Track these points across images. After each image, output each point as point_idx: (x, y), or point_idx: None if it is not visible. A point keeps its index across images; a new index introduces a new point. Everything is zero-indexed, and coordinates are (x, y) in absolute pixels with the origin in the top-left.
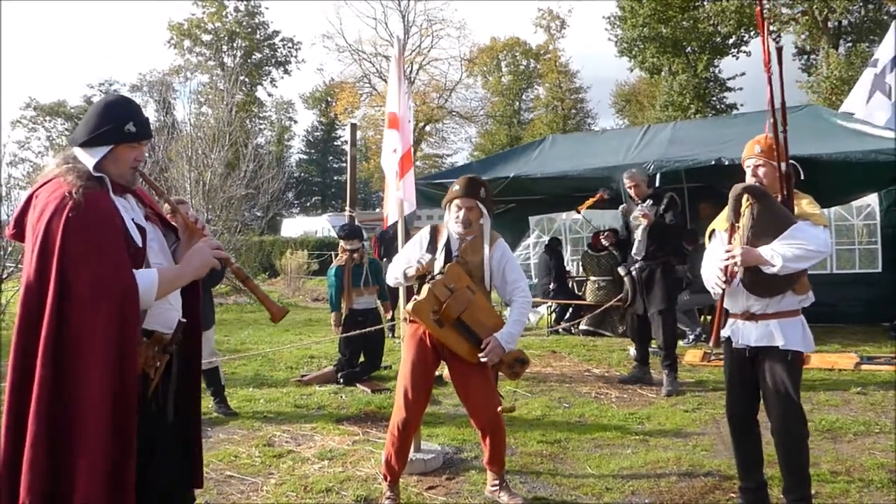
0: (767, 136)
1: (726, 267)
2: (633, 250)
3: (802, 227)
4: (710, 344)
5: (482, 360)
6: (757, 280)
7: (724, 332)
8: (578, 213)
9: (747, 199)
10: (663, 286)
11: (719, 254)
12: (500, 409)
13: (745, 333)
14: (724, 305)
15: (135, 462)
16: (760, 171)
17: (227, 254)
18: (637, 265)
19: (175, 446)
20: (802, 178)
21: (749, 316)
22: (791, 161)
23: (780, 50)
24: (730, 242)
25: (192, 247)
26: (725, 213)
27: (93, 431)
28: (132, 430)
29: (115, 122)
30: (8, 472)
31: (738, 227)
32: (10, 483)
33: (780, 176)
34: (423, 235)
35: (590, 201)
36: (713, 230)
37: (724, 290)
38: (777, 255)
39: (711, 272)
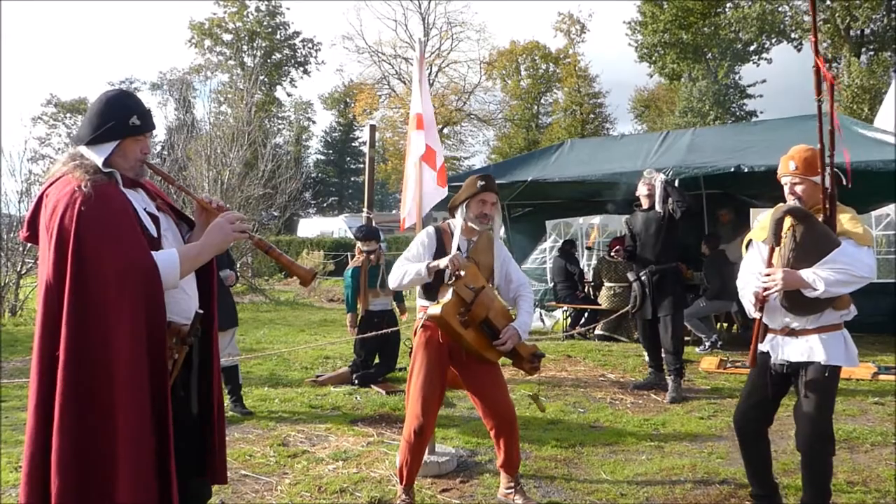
0: (803, 149)
1: (764, 289)
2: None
3: (847, 249)
4: (748, 363)
5: (500, 348)
6: (796, 301)
7: (763, 347)
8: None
9: (789, 221)
10: (672, 291)
11: (758, 266)
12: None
13: (786, 349)
14: (762, 320)
15: (172, 453)
16: (798, 188)
17: (247, 226)
18: (647, 270)
19: (196, 439)
20: (847, 185)
21: (789, 332)
22: (834, 169)
23: (833, 81)
24: (769, 265)
25: (212, 224)
26: (763, 221)
27: (132, 425)
28: (168, 418)
29: (119, 117)
30: (40, 473)
31: (779, 249)
32: (43, 485)
33: (823, 194)
34: (427, 237)
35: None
36: (750, 240)
37: (761, 314)
38: (819, 279)
39: (748, 289)
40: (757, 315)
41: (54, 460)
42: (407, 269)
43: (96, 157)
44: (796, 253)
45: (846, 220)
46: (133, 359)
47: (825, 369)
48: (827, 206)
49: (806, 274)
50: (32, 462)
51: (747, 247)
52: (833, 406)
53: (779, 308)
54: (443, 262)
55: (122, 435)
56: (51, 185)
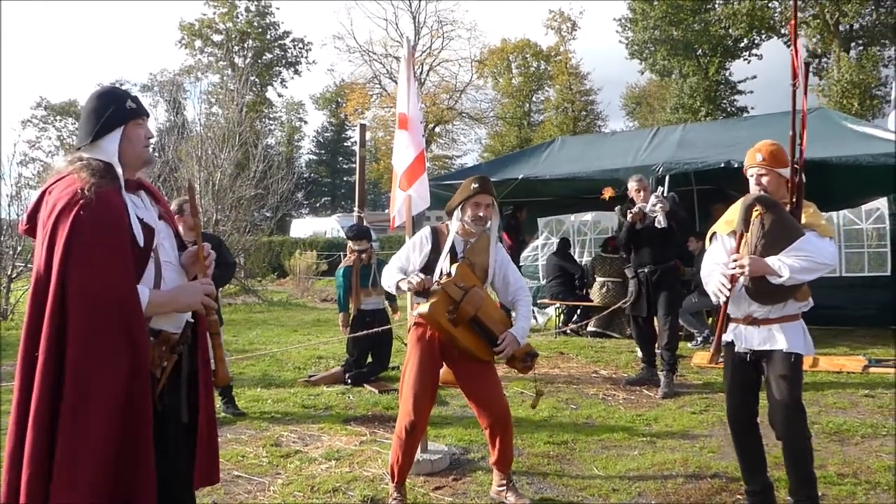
0: (769, 143)
1: (731, 275)
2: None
3: (811, 238)
4: (711, 351)
5: (498, 354)
6: (761, 288)
7: (726, 337)
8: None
9: (757, 209)
10: (671, 289)
11: (721, 258)
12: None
13: (748, 337)
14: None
15: (152, 462)
16: (764, 179)
17: (213, 303)
18: (645, 268)
19: (185, 446)
20: (804, 181)
21: (752, 321)
22: (796, 166)
23: (807, 65)
24: (737, 251)
25: (188, 283)
26: (727, 215)
27: (99, 440)
28: (147, 434)
29: (116, 103)
30: (15, 472)
31: (747, 236)
32: (17, 484)
33: (791, 185)
34: (423, 237)
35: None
36: (714, 233)
37: (727, 297)
38: (785, 266)
39: (714, 278)
40: (723, 299)
41: (26, 453)
42: (390, 277)
43: (105, 150)
44: (764, 241)
45: (809, 213)
46: (111, 361)
47: (789, 356)
48: (794, 197)
49: (772, 261)
50: (11, 460)
51: (710, 239)
52: (801, 391)
53: (743, 297)
54: (404, 285)
55: (92, 435)
56: (55, 182)
